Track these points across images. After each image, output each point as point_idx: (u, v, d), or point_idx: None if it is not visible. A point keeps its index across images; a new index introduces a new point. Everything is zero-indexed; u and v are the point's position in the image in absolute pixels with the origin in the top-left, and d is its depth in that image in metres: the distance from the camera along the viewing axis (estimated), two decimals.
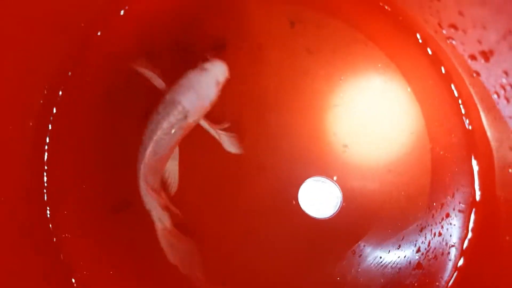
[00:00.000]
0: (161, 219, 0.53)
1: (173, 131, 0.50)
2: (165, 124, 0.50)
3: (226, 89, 0.58)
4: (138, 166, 0.52)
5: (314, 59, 0.59)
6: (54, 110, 0.58)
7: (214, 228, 0.57)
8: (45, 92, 0.56)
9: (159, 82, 0.54)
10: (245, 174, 0.57)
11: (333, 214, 0.56)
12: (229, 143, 0.56)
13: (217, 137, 0.56)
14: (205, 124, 0.55)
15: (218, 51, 0.59)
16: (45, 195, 0.57)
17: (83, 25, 0.57)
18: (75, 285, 0.56)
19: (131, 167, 0.56)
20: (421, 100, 0.59)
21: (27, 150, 0.55)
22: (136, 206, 0.56)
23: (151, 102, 0.57)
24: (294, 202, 0.56)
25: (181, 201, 0.56)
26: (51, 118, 0.58)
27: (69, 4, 0.54)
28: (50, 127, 0.58)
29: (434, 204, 0.57)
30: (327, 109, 0.58)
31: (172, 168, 0.55)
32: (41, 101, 0.56)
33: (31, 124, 0.55)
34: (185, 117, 0.50)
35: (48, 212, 0.57)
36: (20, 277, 0.51)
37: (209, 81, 0.51)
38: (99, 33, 0.60)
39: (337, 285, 0.56)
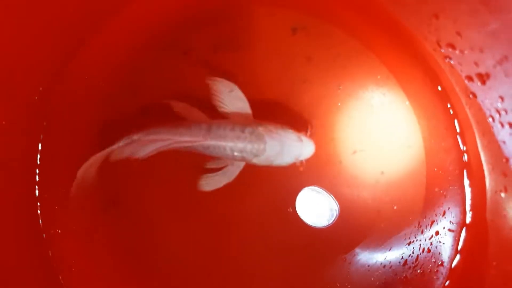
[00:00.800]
0: None
1: (235, 153, 0.51)
2: (240, 144, 0.50)
3: None
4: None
5: (314, 67, 0.59)
6: (49, 107, 0.58)
7: (210, 234, 0.57)
8: (41, 89, 0.56)
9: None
10: (242, 182, 0.56)
11: (328, 224, 0.56)
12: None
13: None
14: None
15: (219, 54, 0.59)
16: (37, 190, 0.57)
17: (80, 22, 0.57)
18: (62, 281, 0.56)
19: (122, 165, 0.57)
20: (419, 115, 0.58)
21: (21, 146, 0.56)
22: (125, 204, 0.57)
23: (145, 101, 0.58)
24: (290, 210, 0.56)
25: (175, 209, 0.57)
26: (46, 114, 0.58)
27: (67, 2, 0.53)
28: (44, 124, 0.58)
29: (425, 220, 0.57)
30: (323, 118, 0.58)
31: None
32: (36, 97, 0.56)
33: (25, 120, 0.55)
34: (255, 156, 0.50)
35: (38, 208, 0.57)
36: (7, 272, 0.51)
37: (292, 152, 0.51)
38: (95, 31, 0.59)
39: None
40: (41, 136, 0.58)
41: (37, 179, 0.58)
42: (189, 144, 0.51)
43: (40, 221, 0.57)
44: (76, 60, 0.59)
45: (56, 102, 0.59)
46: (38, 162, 0.58)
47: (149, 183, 0.58)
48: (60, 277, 0.56)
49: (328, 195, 0.57)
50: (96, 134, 0.58)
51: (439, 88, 0.58)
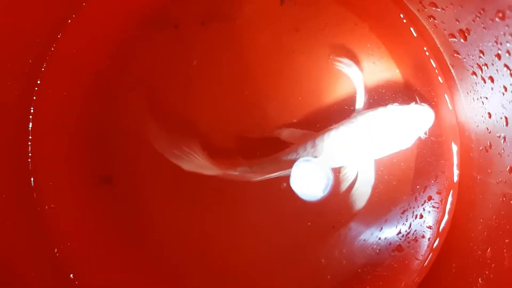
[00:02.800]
0: None
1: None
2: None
3: (213, 65, 0.59)
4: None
5: (303, 37, 0.59)
6: (39, 81, 0.58)
7: (205, 211, 0.58)
8: (31, 61, 0.56)
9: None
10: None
11: (323, 196, 0.57)
12: None
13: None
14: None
15: (207, 26, 0.59)
16: (30, 165, 0.58)
17: None
18: (57, 255, 0.57)
19: (115, 140, 0.58)
20: (408, 83, 0.58)
21: (12, 119, 0.56)
22: (120, 178, 0.58)
23: (138, 76, 0.59)
24: (284, 185, 0.56)
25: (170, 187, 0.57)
26: (36, 88, 0.58)
27: None
28: (34, 98, 0.58)
29: (418, 187, 0.57)
30: (313, 87, 0.58)
31: None
32: (27, 70, 0.56)
33: (16, 93, 0.55)
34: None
35: (32, 181, 0.58)
36: (1, 246, 0.51)
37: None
38: (84, 4, 0.59)
39: (322, 267, 0.56)
40: (31, 110, 0.58)
41: (30, 154, 0.58)
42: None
43: (35, 194, 0.58)
44: (64, 35, 0.59)
45: (46, 76, 0.59)
46: (30, 137, 0.58)
47: (145, 161, 0.58)
48: (55, 250, 0.57)
49: (323, 164, 0.57)
50: (88, 108, 0.59)
51: (426, 51, 0.58)
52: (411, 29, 0.58)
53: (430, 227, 0.57)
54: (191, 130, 0.58)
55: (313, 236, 0.57)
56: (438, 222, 0.57)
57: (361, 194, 0.56)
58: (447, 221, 0.57)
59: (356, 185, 0.56)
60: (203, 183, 0.57)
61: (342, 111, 0.58)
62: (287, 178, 0.56)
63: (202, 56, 0.59)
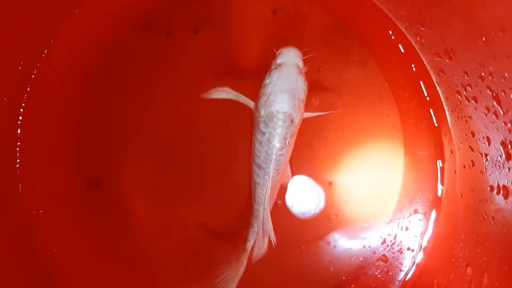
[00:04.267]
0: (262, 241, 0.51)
1: (287, 142, 0.47)
2: (276, 141, 0.47)
3: (203, 72, 0.59)
4: (257, 194, 0.50)
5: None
6: (29, 87, 0.58)
7: (196, 219, 0.57)
8: (20, 69, 0.56)
9: (246, 100, 0.51)
10: (232, 175, 0.57)
11: (317, 212, 0.57)
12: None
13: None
14: (309, 114, 0.52)
15: (198, 34, 0.59)
16: (18, 170, 0.58)
17: (60, 2, 0.57)
18: (43, 262, 0.57)
19: (104, 146, 0.58)
20: (397, 97, 0.59)
21: (0, 124, 0.56)
22: (108, 184, 0.57)
23: (129, 81, 0.59)
24: (280, 202, 0.56)
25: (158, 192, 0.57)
26: (25, 95, 0.58)
27: None
28: (23, 104, 0.58)
29: (403, 199, 0.58)
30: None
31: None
32: (16, 77, 0.56)
33: (5, 99, 0.55)
34: (291, 121, 0.47)
35: (20, 188, 0.57)
36: None
37: (291, 73, 0.47)
38: (76, 11, 0.59)
39: (309, 273, 0.57)
40: (20, 117, 0.58)
41: (18, 160, 0.58)
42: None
43: (23, 201, 0.57)
44: (56, 40, 0.59)
45: (36, 81, 0.59)
46: (18, 143, 0.58)
47: (133, 166, 0.58)
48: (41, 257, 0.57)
49: (314, 183, 0.57)
50: (77, 115, 0.59)
51: (413, 67, 0.59)
52: (399, 45, 0.59)
53: (414, 239, 0.58)
54: (181, 136, 0.58)
55: (302, 244, 0.57)
56: (422, 235, 0.58)
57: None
58: (431, 235, 0.58)
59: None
60: (195, 191, 0.57)
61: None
62: (283, 196, 0.56)
63: (193, 63, 0.59)
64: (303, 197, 0.57)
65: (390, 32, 0.59)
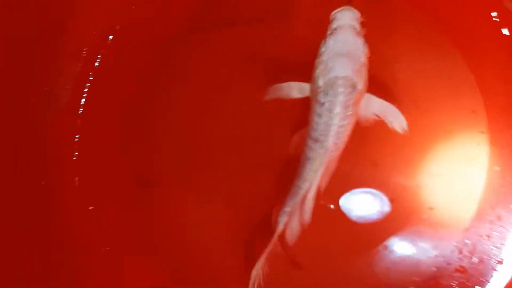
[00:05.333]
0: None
1: (349, 112, 0.43)
2: (338, 109, 0.43)
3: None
4: (305, 169, 0.46)
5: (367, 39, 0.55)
6: (91, 77, 0.58)
7: (247, 229, 0.55)
8: (84, 54, 0.56)
9: (301, 87, 0.48)
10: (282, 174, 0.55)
11: (374, 220, 0.54)
12: (396, 118, 0.47)
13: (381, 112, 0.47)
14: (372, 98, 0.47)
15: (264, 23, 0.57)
16: (75, 163, 0.57)
17: None
18: (86, 257, 0.56)
19: (159, 144, 0.57)
20: (488, 102, 0.54)
21: (61, 113, 0.56)
22: (160, 185, 0.56)
23: (186, 78, 0.58)
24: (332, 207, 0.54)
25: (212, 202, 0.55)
26: (88, 84, 0.57)
27: None
28: (85, 95, 0.57)
29: (483, 204, 0.53)
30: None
31: None
32: (80, 64, 0.56)
33: (68, 87, 0.55)
34: (353, 86, 0.43)
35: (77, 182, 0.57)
36: (35, 247, 0.51)
37: (348, 36, 0.44)
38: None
39: (367, 279, 0.53)
40: (81, 109, 0.57)
41: (76, 151, 0.57)
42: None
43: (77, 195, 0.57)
44: (122, 25, 0.58)
45: (99, 70, 0.58)
46: (77, 136, 0.57)
47: (187, 167, 0.57)
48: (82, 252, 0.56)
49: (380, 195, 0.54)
50: (132, 110, 0.58)
51: None
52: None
53: (499, 248, 0.53)
54: (237, 137, 0.57)
55: (356, 246, 0.54)
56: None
57: None
58: None
59: None
60: (249, 204, 0.55)
61: None
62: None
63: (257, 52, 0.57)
64: (363, 202, 0.54)
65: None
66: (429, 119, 0.55)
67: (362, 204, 0.54)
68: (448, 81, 0.55)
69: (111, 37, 0.57)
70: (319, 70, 0.44)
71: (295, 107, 0.52)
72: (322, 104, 0.43)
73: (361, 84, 0.43)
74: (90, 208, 0.56)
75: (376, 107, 0.46)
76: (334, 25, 0.45)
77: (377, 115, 0.46)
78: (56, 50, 0.52)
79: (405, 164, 0.54)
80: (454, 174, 0.54)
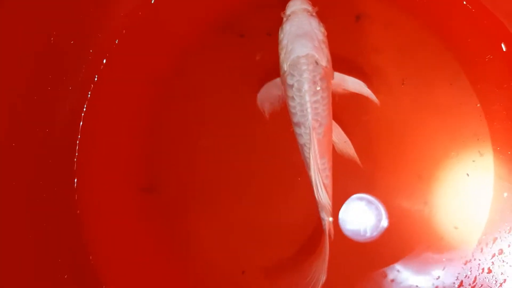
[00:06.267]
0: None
1: (318, 87, 0.44)
2: (306, 86, 0.44)
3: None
4: (305, 158, 0.46)
5: (375, 58, 0.55)
6: (96, 78, 0.57)
7: (245, 238, 0.55)
8: (90, 57, 0.55)
9: (275, 83, 0.49)
10: (281, 187, 0.55)
11: (371, 238, 0.53)
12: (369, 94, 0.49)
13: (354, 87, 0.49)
14: (340, 76, 0.48)
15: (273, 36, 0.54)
16: (75, 164, 0.56)
17: None
18: (92, 262, 0.55)
19: (165, 149, 0.56)
20: (491, 120, 0.53)
21: (64, 114, 0.55)
22: (164, 190, 0.55)
23: (198, 84, 0.57)
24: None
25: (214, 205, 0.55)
26: (92, 85, 0.56)
27: None
28: (89, 96, 0.57)
29: (485, 237, 0.52)
30: (383, 114, 0.54)
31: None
32: (84, 65, 0.55)
33: (70, 88, 0.54)
34: (316, 63, 0.44)
35: (75, 183, 0.56)
36: (40, 247, 0.50)
37: (302, 18, 0.45)
38: (152, 1, 0.57)
39: None
40: (84, 109, 0.56)
41: (76, 153, 0.56)
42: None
43: (76, 196, 0.56)
44: (129, 30, 0.57)
45: (104, 72, 0.57)
46: (79, 136, 0.56)
47: (191, 173, 0.56)
48: (90, 257, 0.55)
49: (378, 204, 0.53)
50: (137, 114, 0.57)
51: None
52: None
53: (501, 285, 0.51)
54: (245, 143, 0.56)
55: (354, 272, 0.53)
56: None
57: None
58: None
59: None
60: (247, 210, 0.54)
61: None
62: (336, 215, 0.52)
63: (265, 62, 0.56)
64: (359, 215, 0.53)
65: (503, 45, 0.52)
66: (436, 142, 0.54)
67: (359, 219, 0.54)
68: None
69: (117, 41, 0.57)
70: (282, 56, 0.45)
71: None
72: (292, 86, 0.44)
73: (324, 60, 0.44)
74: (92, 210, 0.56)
75: (349, 84, 0.48)
76: (288, 11, 0.46)
77: (350, 91, 0.48)
78: (61, 51, 0.51)
79: (408, 192, 0.54)
80: (459, 203, 0.53)
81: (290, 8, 0.46)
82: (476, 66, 0.54)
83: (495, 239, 0.52)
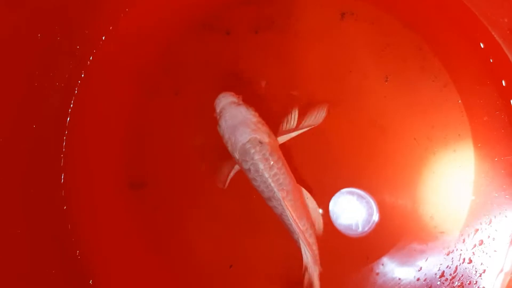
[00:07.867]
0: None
1: (271, 162, 0.48)
2: (261, 166, 0.47)
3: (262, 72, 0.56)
4: (287, 226, 0.49)
5: (360, 57, 0.56)
6: (83, 74, 0.57)
7: (236, 230, 0.56)
8: (77, 54, 0.55)
9: (227, 163, 0.53)
10: None
11: (362, 233, 0.54)
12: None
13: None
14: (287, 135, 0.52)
15: (260, 34, 0.57)
16: (62, 160, 0.56)
17: None
18: (79, 257, 0.55)
19: (153, 145, 0.56)
20: (472, 117, 0.54)
21: (51, 110, 0.54)
22: (152, 186, 0.56)
23: (184, 80, 0.57)
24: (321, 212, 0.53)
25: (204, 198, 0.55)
26: (79, 81, 0.56)
27: None
28: (76, 92, 0.56)
29: (467, 228, 0.53)
30: (367, 111, 0.55)
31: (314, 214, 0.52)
32: (71, 62, 0.55)
33: (57, 84, 0.54)
34: (260, 142, 0.48)
35: (62, 178, 0.56)
36: (27, 242, 0.50)
37: (232, 111, 0.49)
38: (126, 10, 0.58)
39: None
40: (71, 106, 0.56)
41: (63, 148, 0.56)
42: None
43: (63, 192, 0.56)
44: (115, 27, 0.57)
45: (91, 68, 0.57)
46: (66, 132, 0.56)
47: (180, 168, 0.56)
48: (77, 252, 0.55)
49: (369, 198, 0.54)
50: (125, 110, 0.57)
51: (503, 83, 0.54)
52: (490, 59, 0.54)
53: (480, 275, 0.52)
54: None
55: (340, 266, 0.54)
56: (495, 271, 0.53)
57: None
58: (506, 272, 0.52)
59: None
60: (238, 205, 0.55)
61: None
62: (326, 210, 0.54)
63: (251, 63, 0.57)
64: (351, 210, 0.54)
65: (481, 44, 0.54)
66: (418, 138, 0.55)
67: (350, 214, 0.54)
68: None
69: (104, 37, 0.57)
70: (229, 148, 0.49)
71: None
72: (249, 170, 0.48)
73: (265, 136, 0.48)
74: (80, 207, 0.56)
75: (290, 136, 0.52)
76: (217, 109, 0.50)
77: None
78: (48, 47, 0.51)
79: (394, 186, 0.55)
80: (442, 197, 0.54)
81: (219, 106, 0.50)
82: (457, 63, 0.55)
83: (476, 231, 0.53)
